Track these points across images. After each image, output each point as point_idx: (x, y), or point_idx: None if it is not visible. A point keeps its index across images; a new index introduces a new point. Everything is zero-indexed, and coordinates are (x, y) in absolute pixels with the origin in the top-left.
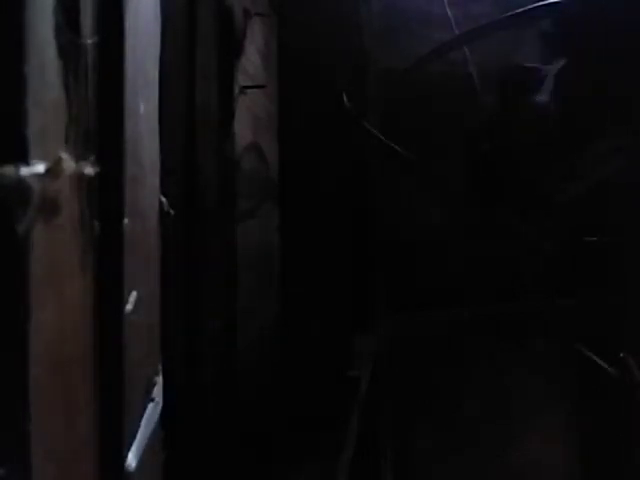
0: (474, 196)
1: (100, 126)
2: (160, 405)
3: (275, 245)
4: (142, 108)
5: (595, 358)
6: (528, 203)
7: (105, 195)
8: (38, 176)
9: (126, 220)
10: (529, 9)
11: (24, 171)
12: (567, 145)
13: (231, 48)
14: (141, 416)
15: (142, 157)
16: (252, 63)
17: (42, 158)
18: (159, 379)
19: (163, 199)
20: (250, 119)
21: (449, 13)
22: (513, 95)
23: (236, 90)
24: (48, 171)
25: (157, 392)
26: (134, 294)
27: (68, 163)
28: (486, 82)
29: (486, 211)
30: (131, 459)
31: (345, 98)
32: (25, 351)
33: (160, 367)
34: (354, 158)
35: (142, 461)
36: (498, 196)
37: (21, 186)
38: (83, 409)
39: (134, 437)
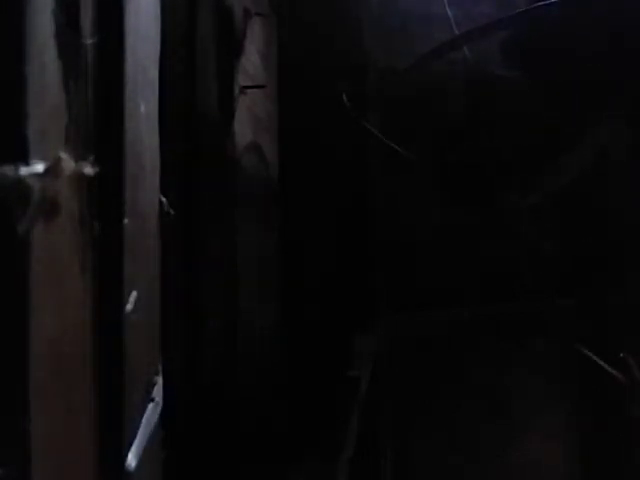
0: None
1: (100, 126)
2: (160, 405)
3: (275, 245)
4: (142, 108)
5: (595, 358)
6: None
7: (105, 195)
8: (38, 176)
9: (126, 220)
10: (529, 9)
11: (24, 171)
12: (531, 155)
13: (231, 48)
14: (141, 416)
15: (142, 157)
16: (252, 63)
17: (42, 158)
18: (159, 379)
19: (163, 199)
20: (250, 119)
21: (449, 13)
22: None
23: (236, 90)
24: (48, 171)
25: (157, 392)
26: (134, 294)
27: (68, 163)
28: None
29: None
30: (131, 459)
31: (345, 98)
32: (25, 351)
33: (160, 367)
34: (354, 158)
35: (142, 461)
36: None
37: (21, 186)
38: (83, 409)
39: (134, 437)
